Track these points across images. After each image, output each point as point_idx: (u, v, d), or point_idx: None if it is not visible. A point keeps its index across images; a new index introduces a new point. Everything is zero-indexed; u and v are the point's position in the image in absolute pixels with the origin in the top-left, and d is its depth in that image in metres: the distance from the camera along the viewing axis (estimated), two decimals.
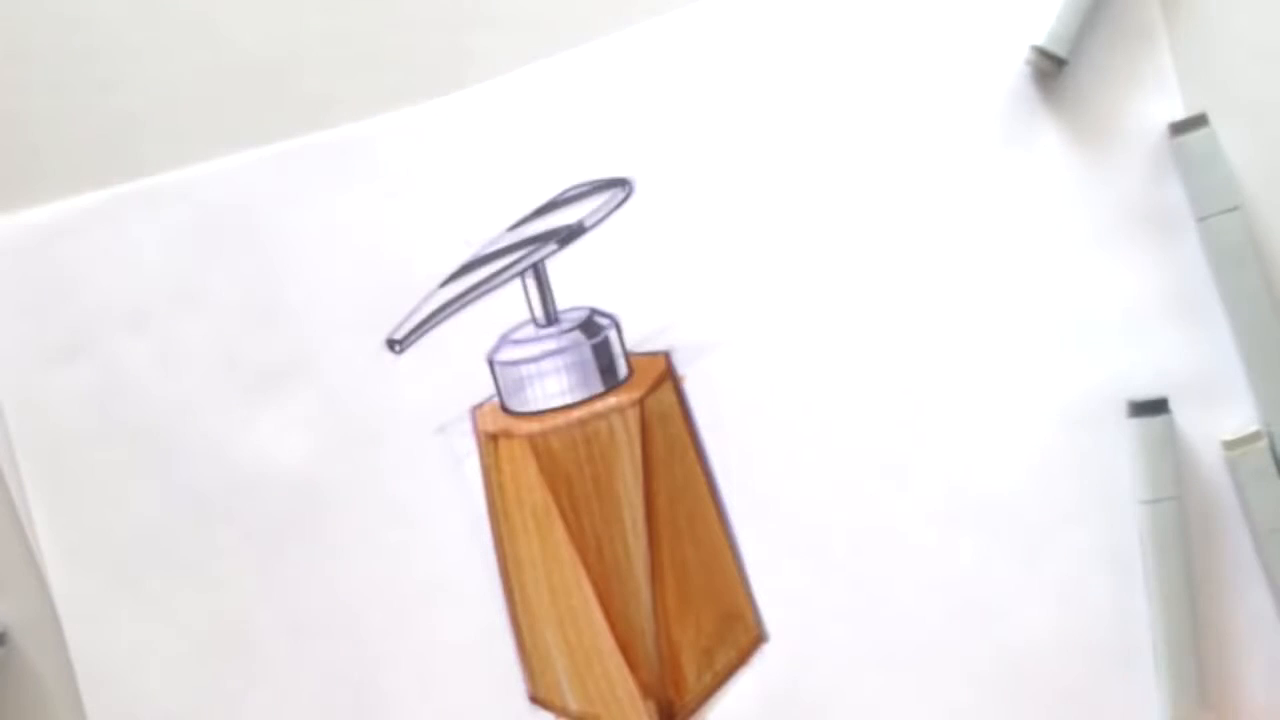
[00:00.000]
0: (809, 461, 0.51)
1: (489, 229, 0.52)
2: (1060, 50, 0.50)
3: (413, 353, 0.52)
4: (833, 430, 0.51)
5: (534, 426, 0.51)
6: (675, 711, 0.51)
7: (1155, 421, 0.49)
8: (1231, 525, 0.50)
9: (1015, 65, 0.51)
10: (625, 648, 0.51)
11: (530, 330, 0.52)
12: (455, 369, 0.52)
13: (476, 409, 0.52)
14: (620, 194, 0.52)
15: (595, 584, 0.51)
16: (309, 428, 0.52)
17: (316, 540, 0.52)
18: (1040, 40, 0.50)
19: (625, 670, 0.51)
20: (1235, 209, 0.49)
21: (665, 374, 0.51)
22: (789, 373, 0.51)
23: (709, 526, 0.51)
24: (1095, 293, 0.51)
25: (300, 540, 0.52)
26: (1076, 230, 0.51)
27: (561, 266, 0.52)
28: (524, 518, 0.51)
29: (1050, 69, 0.50)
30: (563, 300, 0.52)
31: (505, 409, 0.51)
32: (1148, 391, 0.50)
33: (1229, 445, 0.50)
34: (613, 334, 0.51)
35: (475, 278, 0.52)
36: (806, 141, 0.52)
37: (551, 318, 0.52)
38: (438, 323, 0.52)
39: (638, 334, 0.52)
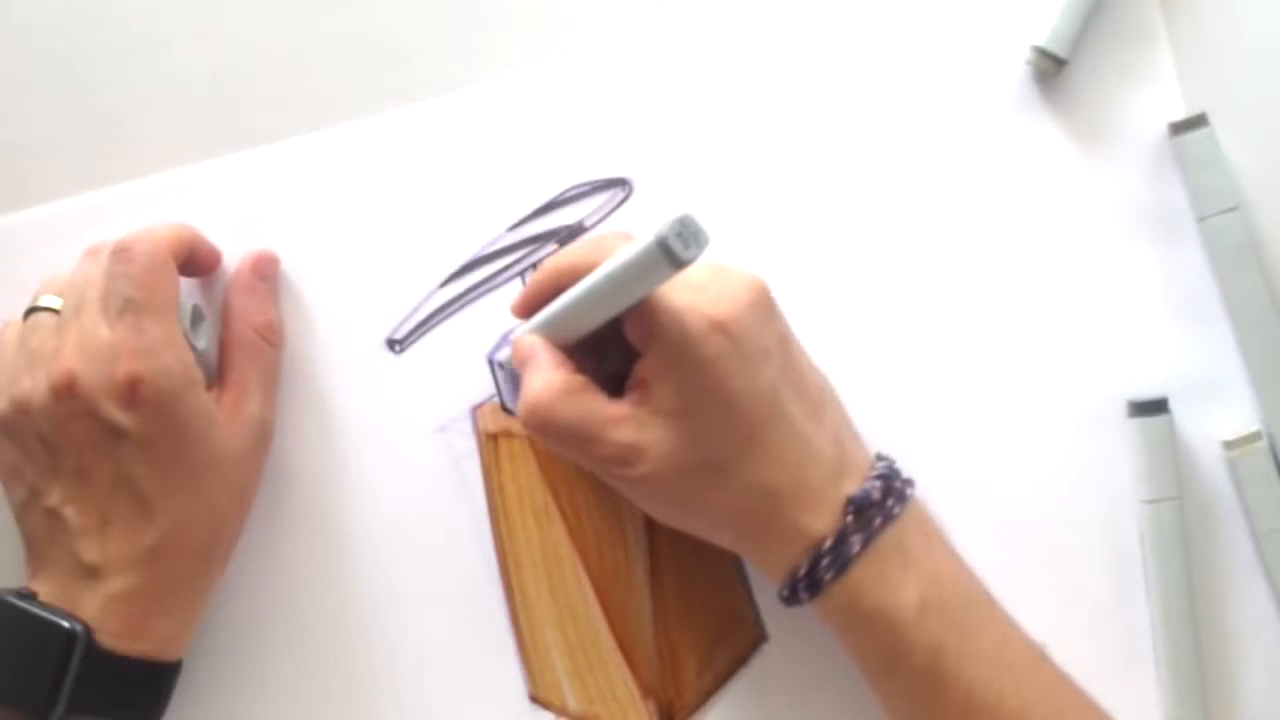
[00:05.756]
0: None
1: (489, 229, 0.52)
2: (1060, 50, 0.50)
3: (413, 353, 0.52)
4: None
5: None
6: (675, 711, 0.51)
7: (1156, 421, 0.49)
8: (1231, 525, 0.50)
9: (1015, 65, 0.51)
10: (625, 648, 0.51)
11: None
12: (455, 369, 0.52)
13: (476, 409, 0.52)
14: (620, 194, 0.52)
15: (595, 584, 0.51)
16: (309, 427, 0.52)
17: (317, 539, 0.52)
18: (1040, 40, 0.50)
19: (625, 670, 0.51)
20: (1235, 209, 0.49)
21: None
22: None
23: None
24: (1095, 292, 0.51)
25: (300, 539, 0.52)
26: (1076, 230, 0.51)
27: None
28: (524, 518, 0.51)
29: (1050, 69, 0.51)
30: None
31: (505, 409, 0.51)
32: (1148, 391, 0.50)
33: (1229, 445, 0.50)
34: None
35: (475, 278, 0.52)
36: (807, 142, 0.52)
37: None
38: (438, 323, 0.52)
39: None
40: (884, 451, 0.47)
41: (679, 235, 0.38)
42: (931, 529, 0.46)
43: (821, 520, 0.44)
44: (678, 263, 0.39)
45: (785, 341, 0.45)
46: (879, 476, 0.45)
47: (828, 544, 0.44)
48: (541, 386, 0.44)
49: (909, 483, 0.46)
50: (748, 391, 0.43)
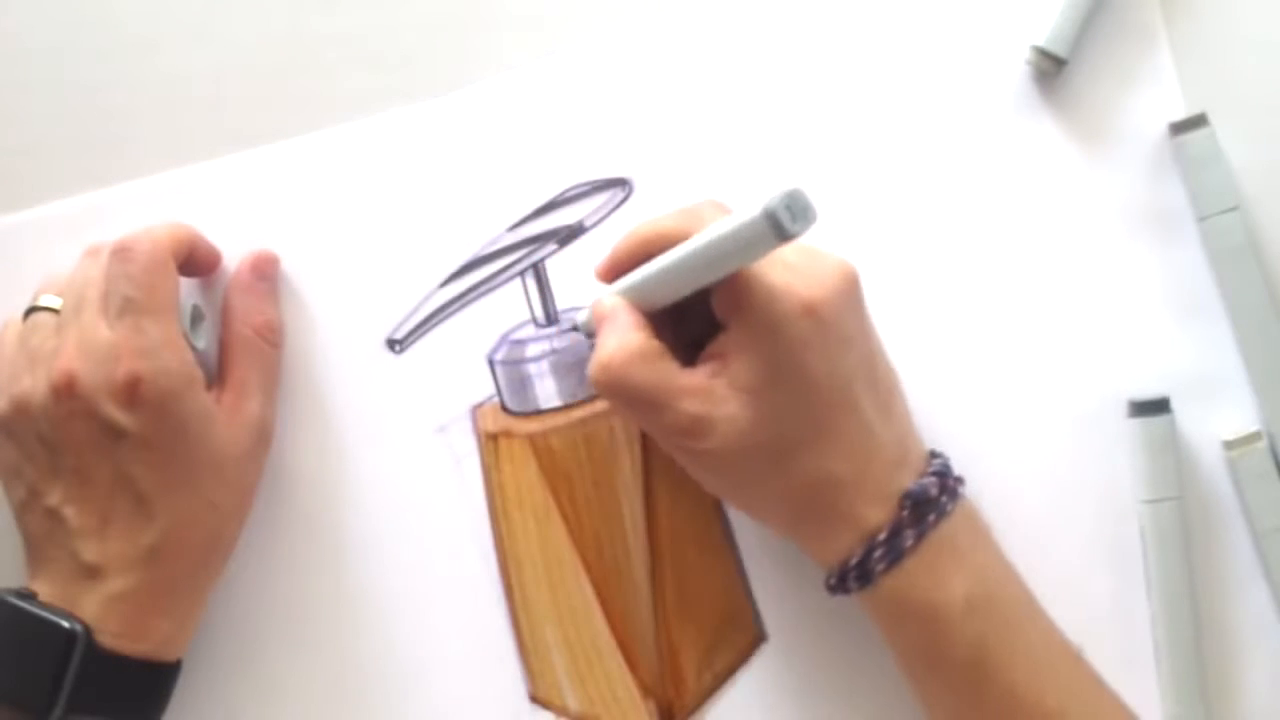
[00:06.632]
0: None
1: (489, 229, 0.52)
2: (1060, 50, 0.50)
3: (413, 353, 0.52)
4: None
5: (534, 426, 0.51)
6: (675, 711, 0.51)
7: (1156, 421, 0.49)
8: (1231, 525, 0.50)
9: (1015, 65, 0.51)
10: (625, 648, 0.51)
11: (530, 330, 0.52)
12: (455, 369, 0.52)
13: (476, 409, 0.52)
14: (620, 194, 0.52)
15: (595, 584, 0.51)
16: (309, 428, 0.52)
17: (316, 539, 0.52)
18: (1040, 40, 0.50)
19: (625, 670, 0.51)
20: (1235, 209, 0.49)
21: None
22: None
23: (709, 526, 0.51)
24: (1096, 293, 0.51)
25: (300, 539, 0.52)
26: (1077, 230, 0.51)
27: (561, 266, 0.52)
28: (524, 518, 0.51)
29: (1050, 69, 0.51)
30: (563, 300, 0.52)
31: (505, 409, 0.51)
32: (1149, 391, 0.50)
33: (1229, 445, 0.50)
34: None
35: (475, 278, 0.52)
36: (807, 142, 0.52)
37: (551, 318, 0.52)
38: (438, 323, 0.52)
39: None
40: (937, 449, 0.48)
41: (788, 208, 0.38)
42: (980, 528, 0.46)
43: (878, 511, 0.44)
44: (785, 236, 0.38)
45: (866, 331, 0.46)
46: (935, 473, 0.45)
47: (882, 535, 0.44)
48: (617, 347, 0.44)
49: (960, 480, 0.46)
50: (827, 376, 0.43)
